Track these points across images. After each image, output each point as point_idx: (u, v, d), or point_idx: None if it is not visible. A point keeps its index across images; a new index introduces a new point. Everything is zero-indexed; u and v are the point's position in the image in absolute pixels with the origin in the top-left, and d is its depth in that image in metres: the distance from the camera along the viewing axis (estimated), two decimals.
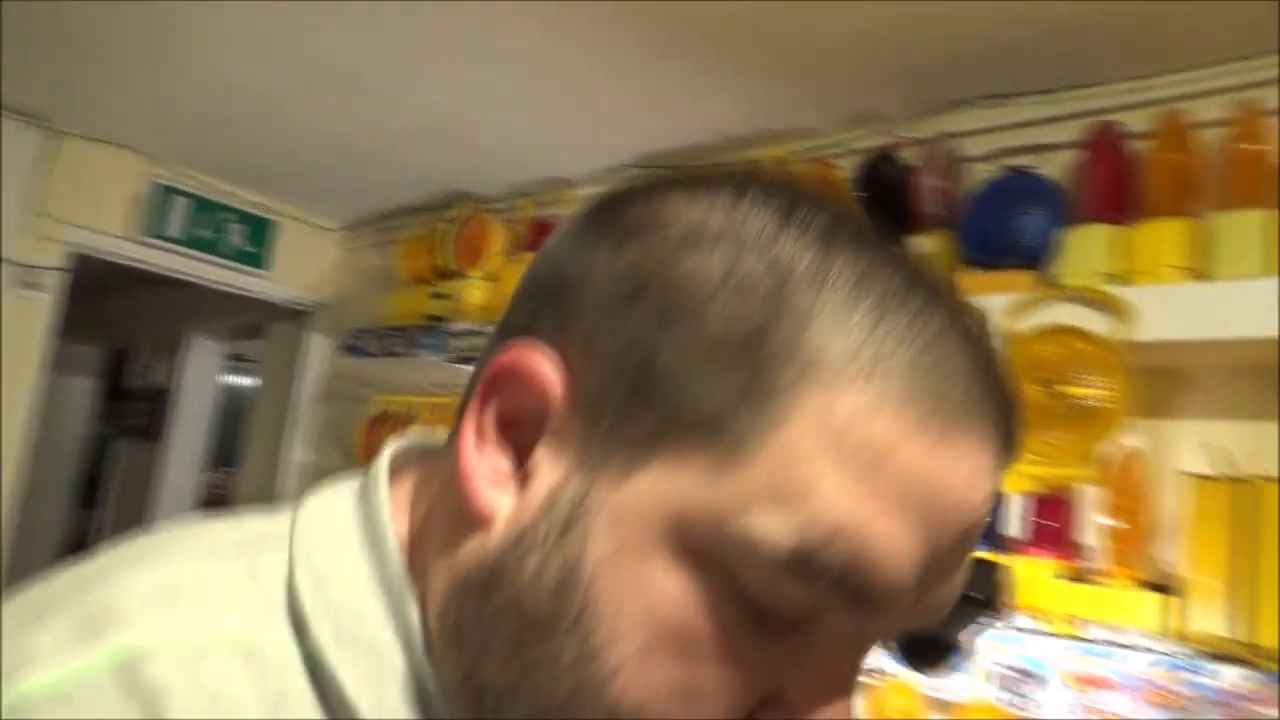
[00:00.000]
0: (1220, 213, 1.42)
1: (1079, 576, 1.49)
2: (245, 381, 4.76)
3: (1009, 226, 1.62)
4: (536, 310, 0.37)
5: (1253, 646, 1.29)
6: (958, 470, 0.33)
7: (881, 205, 1.78)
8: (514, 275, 2.40)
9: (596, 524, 0.33)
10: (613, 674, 0.32)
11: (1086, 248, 1.50)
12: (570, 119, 2.20)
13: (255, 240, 3.06)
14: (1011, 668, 1.43)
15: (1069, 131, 1.65)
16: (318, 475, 3.01)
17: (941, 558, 0.33)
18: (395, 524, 0.38)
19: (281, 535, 0.38)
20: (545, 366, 0.35)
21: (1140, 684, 1.32)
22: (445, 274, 2.63)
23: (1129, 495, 1.45)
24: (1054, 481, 1.44)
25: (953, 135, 1.81)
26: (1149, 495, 1.48)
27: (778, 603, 0.32)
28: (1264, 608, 1.34)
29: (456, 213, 2.67)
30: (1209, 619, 1.37)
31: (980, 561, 1.02)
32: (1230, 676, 1.25)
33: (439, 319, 2.53)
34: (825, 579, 0.31)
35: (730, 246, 0.34)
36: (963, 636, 1.04)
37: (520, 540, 0.34)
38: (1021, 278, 1.56)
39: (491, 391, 0.36)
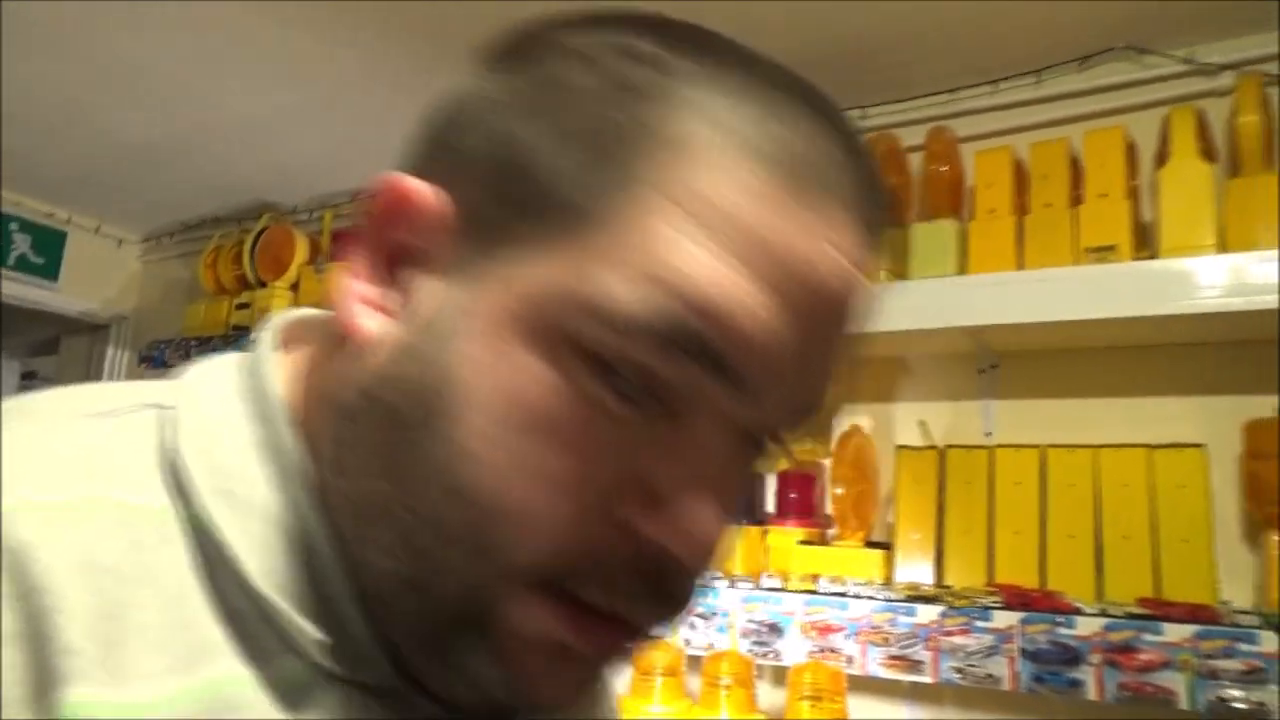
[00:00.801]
0: (919, 223, 1.67)
1: (819, 541, 1.71)
2: None
3: None
4: (417, 152, 0.38)
5: (946, 588, 1.54)
6: (818, 237, 0.33)
7: None
8: (316, 285, 2.45)
9: (470, 325, 0.33)
10: (476, 463, 0.32)
11: None
12: (371, 133, 2.27)
13: (43, 251, 2.95)
14: (761, 623, 1.62)
15: None
16: None
17: (813, 335, 0.33)
18: (288, 391, 0.38)
19: (161, 401, 0.37)
20: (418, 190, 0.35)
21: (861, 626, 1.53)
22: (249, 284, 2.64)
23: (857, 468, 1.68)
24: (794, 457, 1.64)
25: None
26: (874, 467, 1.71)
27: (642, 376, 0.32)
28: (952, 556, 1.59)
29: (260, 223, 2.68)
30: (916, 568, 1.61)
31: None
32: (929, 614, 1.48)
33: (243, 329, 2.53)
34: (690, 350, 0.31)
35: (592, 49, 0.35)
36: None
37: (400, 358, 0.34)
38: None
39: (369, 220, 0.36)
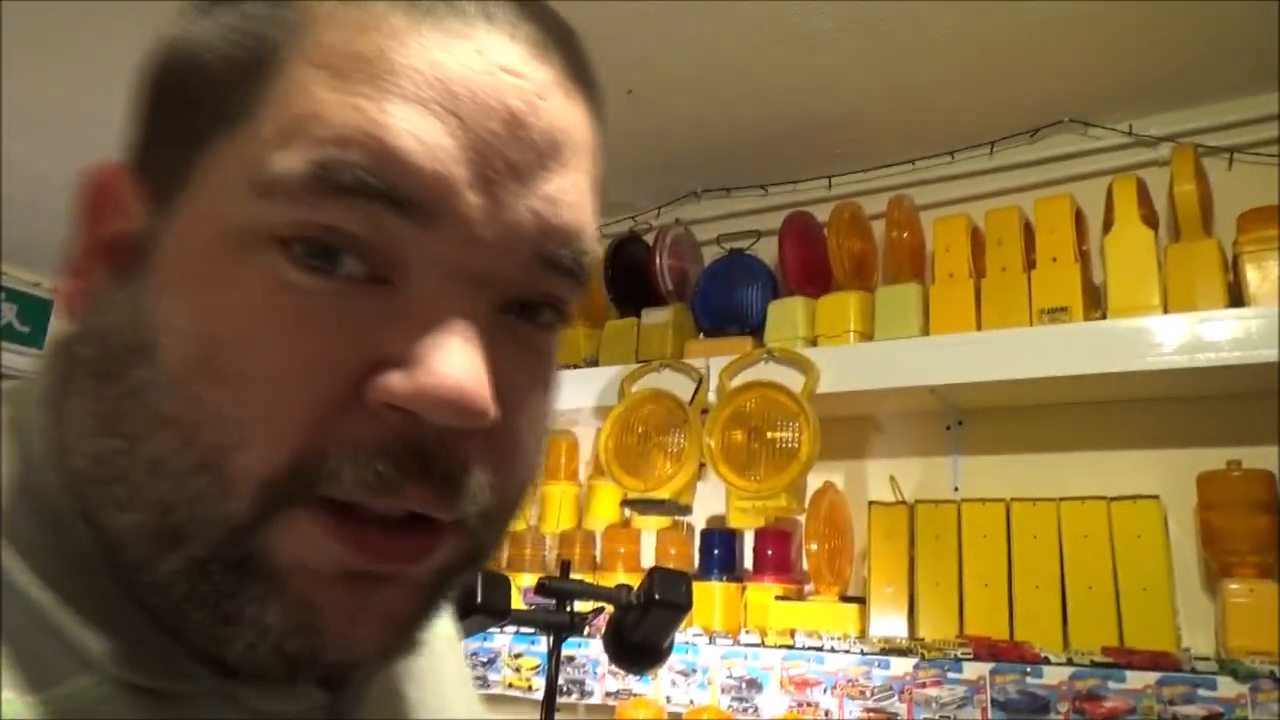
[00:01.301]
0: (883, 287, 1.75)
1: (796, 596, 1.75)
2: None
3: (731, 300, 1.91)
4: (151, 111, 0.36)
5: (919, 640, 1.57)
6: (457, 49, 0.31)
7: (627, 281, 2.03)
8: None
9: (150, 260, 0.32)
10: (185, 385, 0.30)
11: (788, 316, 1.80)
12: None
13: (29, 319, 2.99)
14: (740, 679, 1.65)
15: (778, 220, 1.95)
16: None
17: (492, 150, 0.31)
18: (44, 378, 0.36)
19: None
20: (115, 174, 0.35)
21: (838, 680, 1.56)
22: None
23: (830, 524, 1.73)
24: (766, 514, 1.69)
25: (687, 222, 2.10)
26: (847, 523, 1.76)
27: (327, 237, 0.30)
28: (924, 608, 1.63)
29: None
30: (890, 621, 1.65)
31: (675, 573, 1.21)
32: (903, 666, 1.52)
33: None
34: (356, 188, 0.29)
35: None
36: (667, 640, 1.23)
37: (95, 309, 0.33)
38: (743, 342, 1.83)
39: (80, 227, 0.35)
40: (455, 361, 0.30)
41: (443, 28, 0.31)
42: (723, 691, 1.65)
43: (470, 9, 0.32)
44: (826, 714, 1.56)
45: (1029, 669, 1.42)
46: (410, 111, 0.30)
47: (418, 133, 0.30)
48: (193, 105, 0.32)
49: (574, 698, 1.78)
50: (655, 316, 1.96)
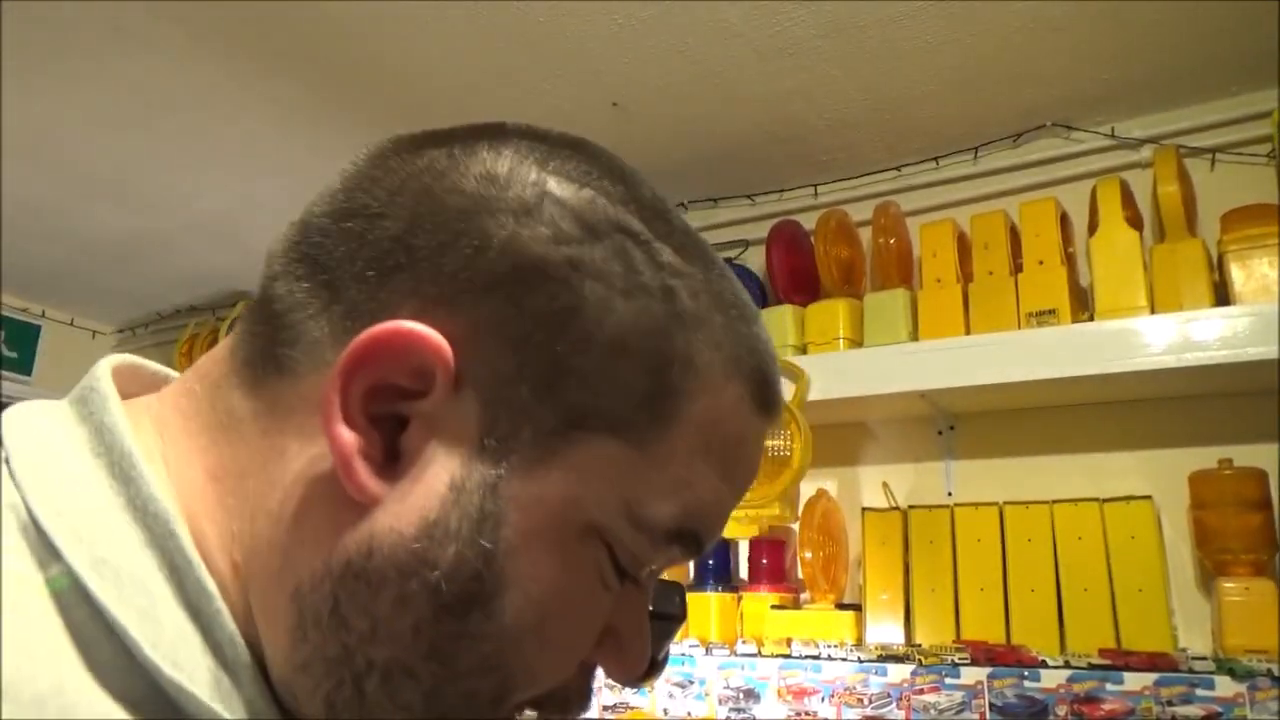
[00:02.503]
0: (872, 293, 1.75)
1: (791, 605, 1.75)
2: None
3: None
4: (380, 277, 0.35)
5: (916, 646, 1.57)
6: (761, 439, 0.41)
7: None
8: None
9: (511, 514, 0.34)
10: (516, 641, 0.35)
11: (777, 324, 1.79)
12: None
13: (17, 345, 2.97)
14: (737, 689, 1.64)
15: (765, 229, 1.96)
16: None
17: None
18: (142, 447, 0.35)
19: None
20: (435, 345, 0.34)
21: (835, 688, 1.56)
22: None
23: (824, 532, 1.72)
24: (759, 523, 1.69)
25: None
26: (841, 530, 1.75)
27: (644, 565, 0.38)
28: (920, 614, 1.63)
29: (234, 311, 2.73)
30: (886, 628, 1.65)
31: (669, 584, 1.21)
32: (900, 673, 1.51)
33: None
34: (684, 542, 0.38)
35: (608, 241, 0.36)
36: (662, 651, 1.22)
37: (431, 531, 0.34)
38: None
39: (362, 364, 0.34)
40: (644, 651, 0.41)
41: (762, 419, 0.41)
42: (720, 703, 1.64)
43: (775, 401, 0.42)
44: None
45: (1026, 673, 1.41)
46: (730, 489, 0.39)
47: (728, 506, 0.40)
48: (591, 392, 0.35)
49: None
50: None
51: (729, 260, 1.96)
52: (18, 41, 1.62)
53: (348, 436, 0.34)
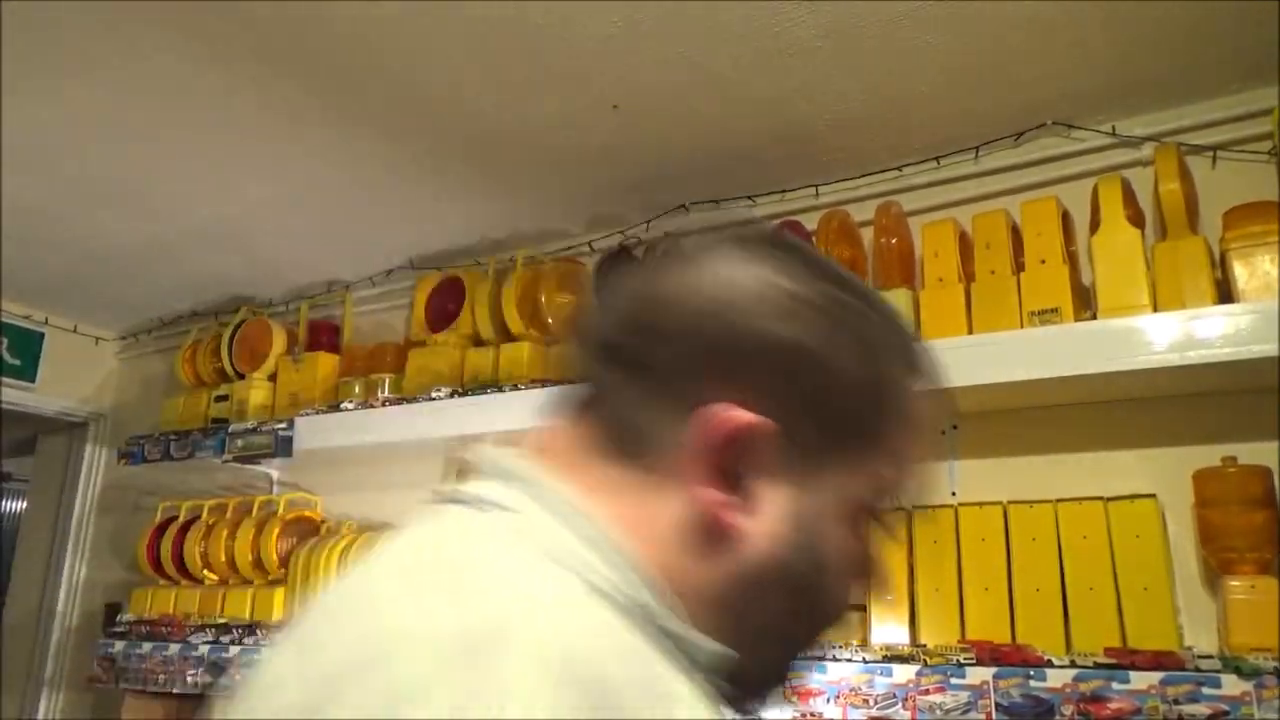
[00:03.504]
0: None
1: None
2: (18, 505, 4.45)
3: None
4: (694, 371, 0.50)
5: (921, 646, 1.57)
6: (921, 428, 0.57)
7: None
8: (293, 375, 2.49)
9: (821, 518, 0.51)
10: (836, 600, 0.54)
11: None
12: (343, 225, 2.35)
13: (21, 352, 2.98)
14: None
15: None
16: (102, 592, 2.92)
17: None
18: (613, 531, 0.49)
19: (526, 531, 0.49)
20: (756, 421, 0.48)
21: (841, 689, 1.55)
22: (227, 377, 2.68)
23: None
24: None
25: (676, 235, 2.10)
26: None
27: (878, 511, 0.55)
28: (925, 614, 1.62)
29: (236, 317, 2.73)
30: (891, 629, 1.65)
31: None
32: (905, 673, 1.51)
33: (222, 421, 2.56)
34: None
35: (847, 331, 0.51)
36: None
37: (786, 543, 0.50)
38: None
39: (711, 441, 0.48)
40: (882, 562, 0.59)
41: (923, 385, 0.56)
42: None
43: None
44: None
45: (1032, 672, 1.41)
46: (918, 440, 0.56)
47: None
48: (838, 416, 0.51)
49: None
50: None
51: None
52: (21, 48, 1.62)
53: (715, 495, 0.49)
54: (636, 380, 0.51)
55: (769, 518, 0.50)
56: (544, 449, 0.54)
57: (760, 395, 0.49)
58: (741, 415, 0.48)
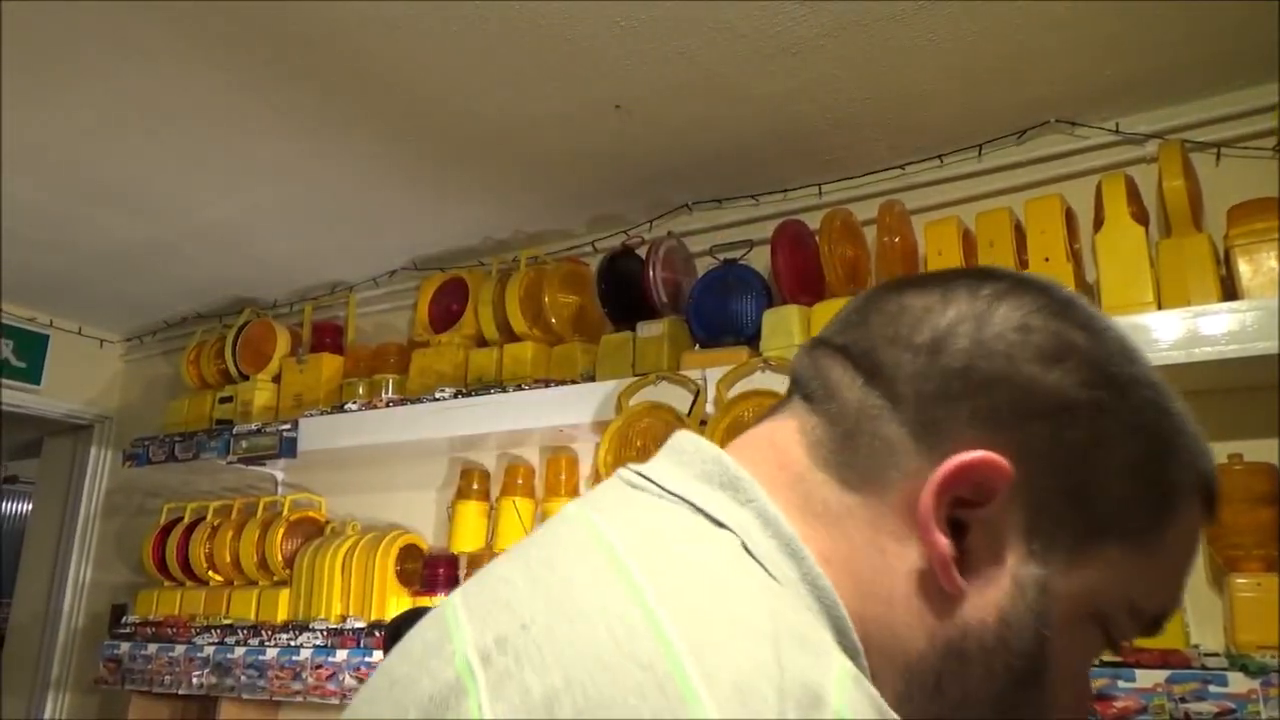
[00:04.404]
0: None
1: None
2: (24, 508, 4.46)
3: (725, 310, 1.91)
4: (945, 400, 0.44)
5: None
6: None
7: (621, 295, 2.03)
8: (297, 376, 2.49)
9: (1055, 607, 0.43)
10: (1052, 704, 0.45)
11: (783, 324, 1.79)
12: (346, 226, 2.35)
13: (26, 355, 2.99)
14: None
15: (770, 229, 1.96)
16: (108, 593, 2.92)
17: None
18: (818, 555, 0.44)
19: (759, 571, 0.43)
20: (1005, 470, 0.42)
21: None
22: (231, 378, 2.68)
23: None
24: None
25: (679, 234, 2.10)
26: None
27: (1123, 642, 0.47)
28: None
29: (240, 318, 2.74)
30: None
31: None
32: None
33: (226, 422, 2.57)
34: (1160, 626, 0.47)
35: (1118, 386, 0.45)
36: None
37: (1008, 620, 0.43)
38: (739, 353, 1.83)
39: (952, 485, 0.42)
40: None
41: (1208, 520, 0.48)
42: None
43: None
44: None
45: None
46: (1185, 581, 0.48)
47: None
48: (1106, 500, 0.44)
49: None
50: (650, 329, 1.96)
51: (733, 261, 1.96)
52: (25, 52, 1.62)
53: (944, 544, 0.43)
54: (888, 400, 0.45)
55: (998, 588, 0.43)
56: (768, 444, 0.48)
57: (1018, 447, 0.43)
58: (992, 457, 0.42)
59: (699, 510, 0.44)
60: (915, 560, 0.43)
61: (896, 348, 0.46)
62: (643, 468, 0.49)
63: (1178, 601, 0.47)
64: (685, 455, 0.48)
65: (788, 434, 0.47)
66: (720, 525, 0.43)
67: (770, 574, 0.42)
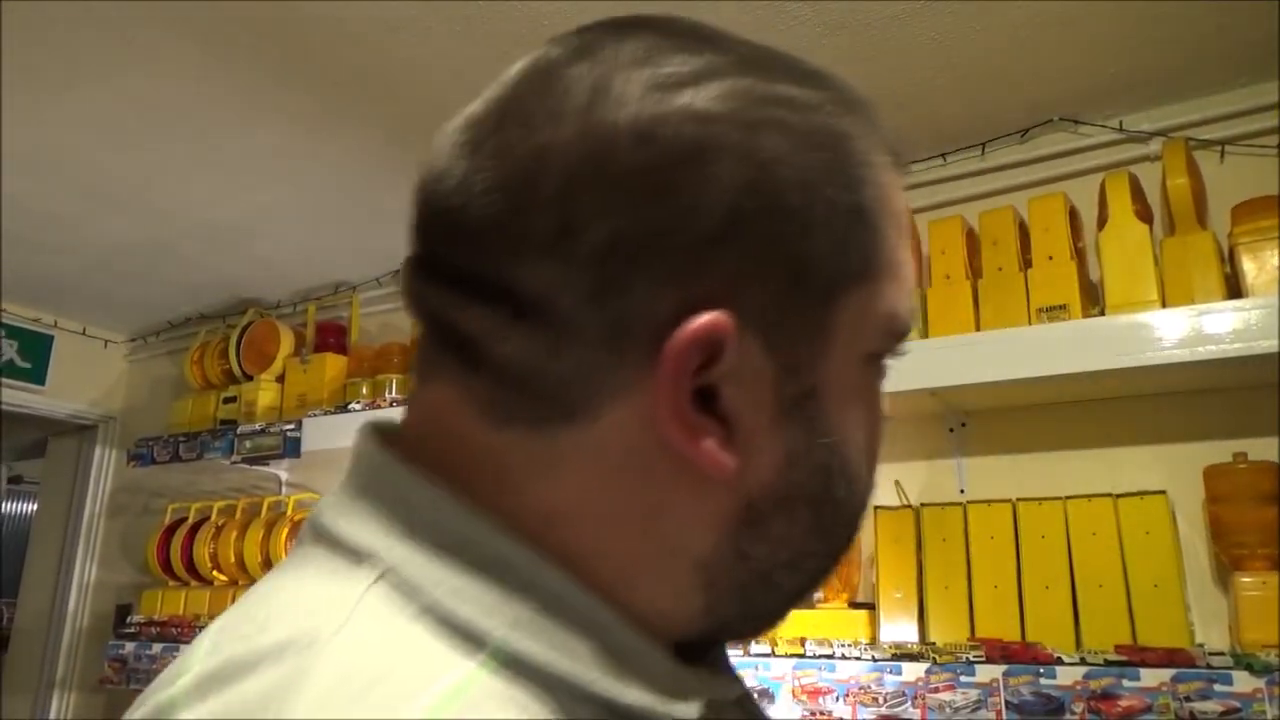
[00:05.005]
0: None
1: (804, 604, 1.74)
2: (29, 508, 4.48)
3: None
4: (636, 270, 0.35)
5: (930, 644, 1.56)
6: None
7: None
8: (300, 376, 2.49)
9: (827, 401, 0.38)
10: (863, 488, 0.42)
11: None
12: (349, 227, 2.35)
13: (31, 355, 2.99)
14: (751, 689, 1.63)
15: None
16: (112, 593, 2.93)
17: None
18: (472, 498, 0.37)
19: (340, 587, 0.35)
20: (721, 327, 0.35)
21: (850, 688, 1.55)
22: (235, 378, 2.69)
23: None
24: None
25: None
26: None
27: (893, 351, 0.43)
28: (934, 612, 1.62)
29: (244, 318, 2.74)
30: (900, 627, 1.64)
31: None
32: (915, 671, 1.51)
33: (230, 422, 2.57)
34: (906, 333, 0.42)
35: (829, 150, 0.38)
36: None
37: (790, 462, 0.38)
38: None
39: (677, 366, 0.35)
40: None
41: (901, 173, 0.43)
42: None
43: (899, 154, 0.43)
44: None
45: (1042, 670, 1.40)
46: (909, 245, 0.42)
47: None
48: (813, 264, 0.37)
49: None
50: None
51: None
52: (30, 53, 1.63)
53: (688, 439, 0.36)
54: (518, 315, 0.36)
55: (768, 438, 0.37)
56: (406, 434, 0.41)
57: (724, 280, 0.35)
58: (708, 327, 0.34)
59: (334, 542, 0.38)
60: (669, 468, 0.37)
61: (527, 249, 0.35)
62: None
63: (913, 280, 0.43)
64: (353, 471, 0.41)
65: (431, 401, 0.40)
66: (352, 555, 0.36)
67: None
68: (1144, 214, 1.56)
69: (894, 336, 0.41)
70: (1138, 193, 1.57)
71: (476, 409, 0.38)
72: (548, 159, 0.36)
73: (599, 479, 0.37)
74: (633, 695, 0.35)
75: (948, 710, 1.46)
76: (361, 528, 0.37)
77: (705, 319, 0.35)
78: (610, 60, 0.37)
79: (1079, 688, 1.37)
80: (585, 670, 0.35)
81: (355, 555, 0.36)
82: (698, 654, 0.41)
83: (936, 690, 1.48)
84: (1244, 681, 1.30)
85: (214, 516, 2.58)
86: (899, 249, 0.40)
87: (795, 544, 0.40)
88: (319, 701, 0.31)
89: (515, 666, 0.34)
